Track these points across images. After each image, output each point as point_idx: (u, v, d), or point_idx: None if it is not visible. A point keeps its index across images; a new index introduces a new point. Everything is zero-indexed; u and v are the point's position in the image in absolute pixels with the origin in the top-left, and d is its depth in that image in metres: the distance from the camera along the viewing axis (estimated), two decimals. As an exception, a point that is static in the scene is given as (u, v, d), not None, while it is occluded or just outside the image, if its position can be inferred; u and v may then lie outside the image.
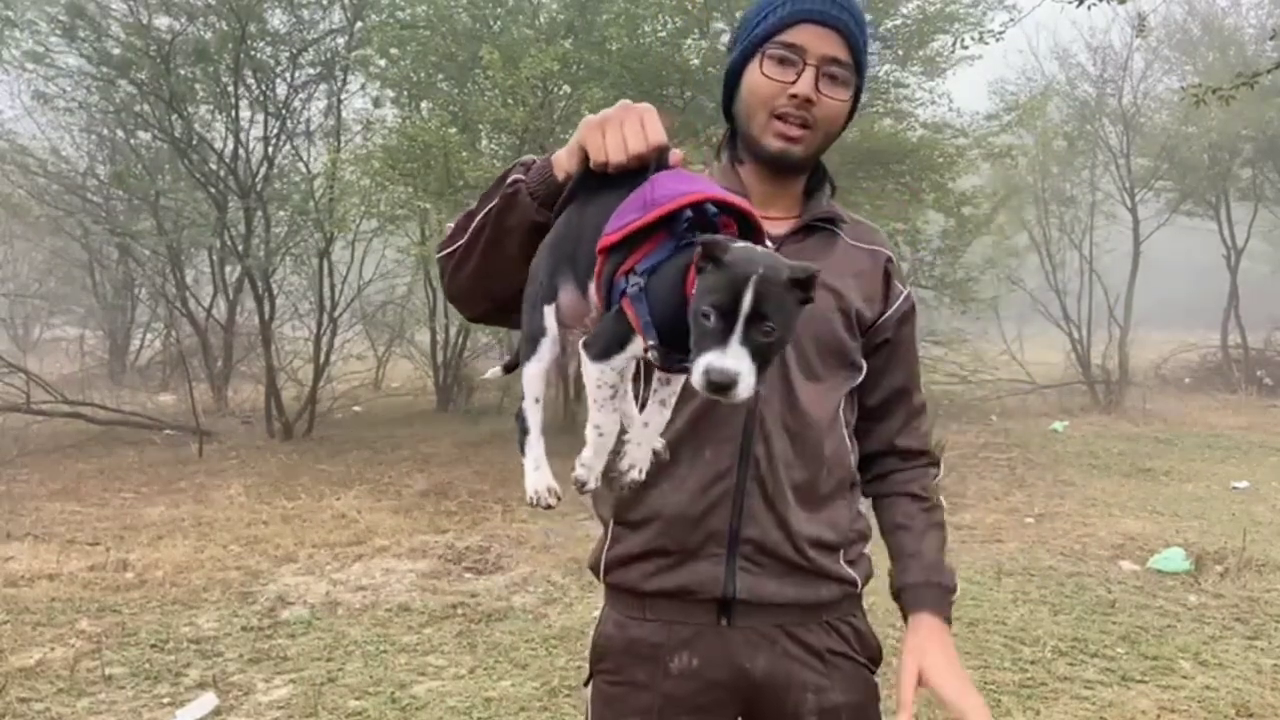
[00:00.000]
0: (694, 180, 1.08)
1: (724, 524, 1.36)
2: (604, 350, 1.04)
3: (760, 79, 1.37)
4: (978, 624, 4.32)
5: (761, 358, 0.91)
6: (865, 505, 1.52)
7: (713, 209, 1.03)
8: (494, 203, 1.25)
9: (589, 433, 1.08)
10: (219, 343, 12.65)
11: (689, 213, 1.02)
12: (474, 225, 1.27)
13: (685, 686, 1.37)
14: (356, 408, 12.45)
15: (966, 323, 12.14)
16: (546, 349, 1.11)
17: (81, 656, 3.92)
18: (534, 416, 1.12)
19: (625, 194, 1.09)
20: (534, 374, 1.12)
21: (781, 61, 1.36)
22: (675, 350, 0.99)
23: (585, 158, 1.15)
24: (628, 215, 1.04)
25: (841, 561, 1.42)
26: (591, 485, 1.11)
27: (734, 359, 0.89)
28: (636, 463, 1.15)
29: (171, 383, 14.27)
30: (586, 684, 1.47)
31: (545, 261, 1.15)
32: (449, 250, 1.31)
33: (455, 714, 3.43)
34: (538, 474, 1.11)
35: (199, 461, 8.66)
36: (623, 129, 1.11)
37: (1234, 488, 7.56)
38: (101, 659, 3.89)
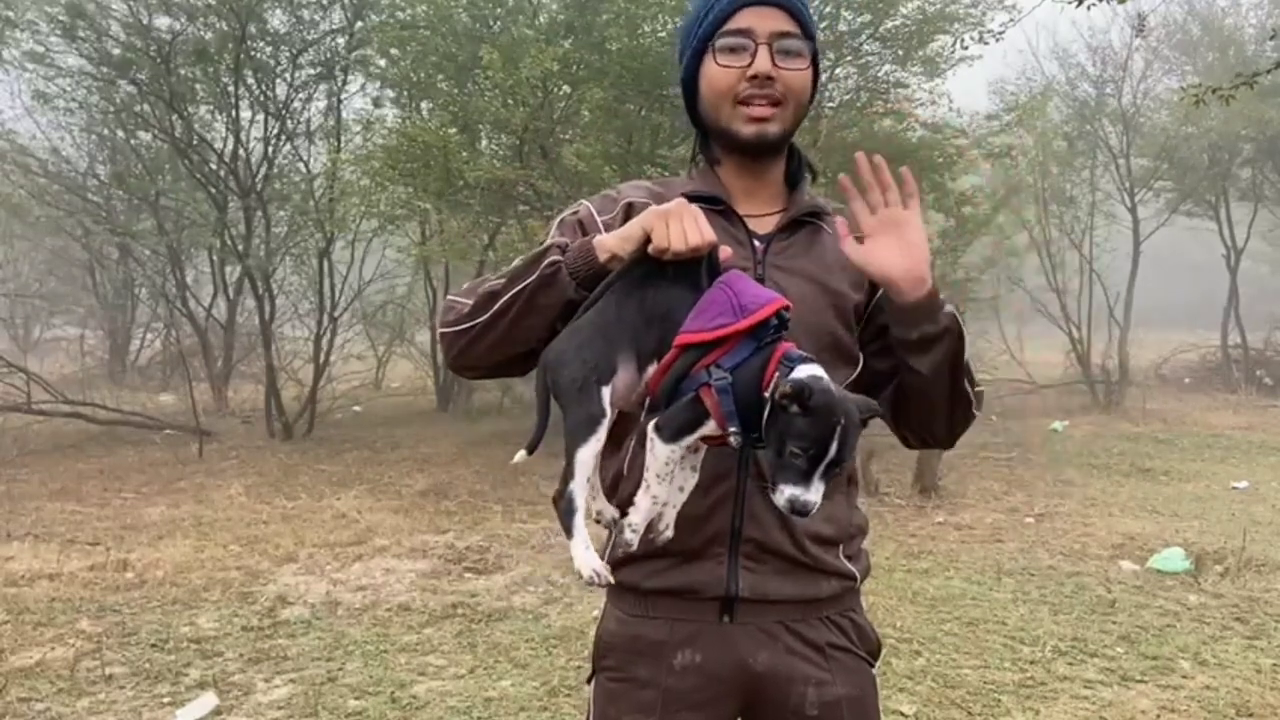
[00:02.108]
0: (759, 285, 1.22)
1: (726, 524, 1.37)
2: (677, 433, 1.17)
3: (717, 70, 1.40)
4: (978, 624, 4.32)
5: (831, 482, 1.12)
6: (862, 501, 1.52)
7: (786, 314, 1.18)
8: (530, 281, 1.28)
9: (644, 502, 1.19)
10: (219, 343, 12.67)
11: (775, 319, 1.17)
12: (502, 302, 1.29)
13: (688, 682, 1.38)
14: (356, 408, 12.46)
15: (966, 323, 12.13)
16: (604, 430, 1.17)
17: (82, 656, 3.92)
18: (581, 497, 1.16)
19: (678, 285, 1.20)
20: (589, 456, 1.16)
21: (733, 49, 1.39)
22: (749, 432, 1.15)
23: (643, 245, 1.22)
24: (717, 317, 1.16)
25: (841, 556, 1.44)
26: (635, 548, 1.21)
27: (814, 493, 1.10)
28: (670, 522, 1.25)
29: (171, 383, 14.29)
30: (589, 681, 1.49)
31: (599, 344, 1.19)
32: (464, 327, 1.33)
33: (455, 714, 3.43)
34: (589, 554, 1.16)
35: (199, 461, 8.66)
36: (683, 222, 1.20)
37: (1234, 488, 7.56)
38: (101, 659, 3.89)
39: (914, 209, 1.32)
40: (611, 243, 1.25)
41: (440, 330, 1.38)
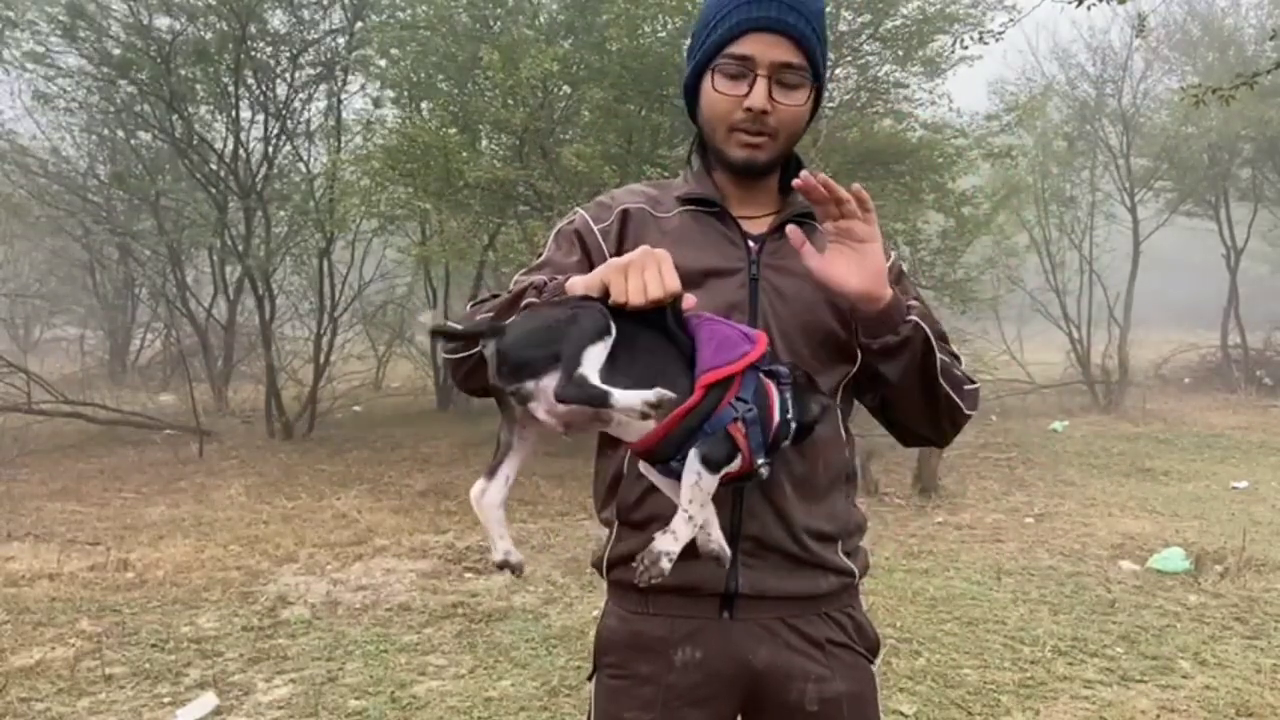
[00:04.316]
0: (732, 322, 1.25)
1: (725, 521, 1.36)
2: (719, 464, 1.16)
3: (714, 95, 1.39)
4: (978, 624, 4.32)
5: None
6: (861, 501, 1.53)
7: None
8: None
9: (685, 528, 1.15)
10: (219, 343, 12.67)
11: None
12: None
13: (688, 678, 1.39)
14: (356, 408, 12.46)
15: (966, 323, 12.13)
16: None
17: (82, 656, 3.93)
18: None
19: (639, 331, 1.16)
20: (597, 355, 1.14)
21: (732, 76, 1.37)
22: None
23: (604, 295, 1.19)
24: (736, 348, 1.17)
25: (840, 552, 1.44)
26: (669, 575, 1.16)
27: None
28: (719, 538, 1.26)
29: (172, 383, 14.28)
30: (590, 678, 1.49)
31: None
32: (461, 357, 1.33)
33: (455, 714, 3.44)
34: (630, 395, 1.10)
35: (199, 461, 8.66)
36: (643, 274, 1.17)
37: (1234, 488, 7.56)
38: (102, 659, 3.90)
39: (871, 222, 1.29)
40: (580, 289, 1.23)
41: (444, 356, 1.41)
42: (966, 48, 8.92)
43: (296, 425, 10.14)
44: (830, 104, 8.92)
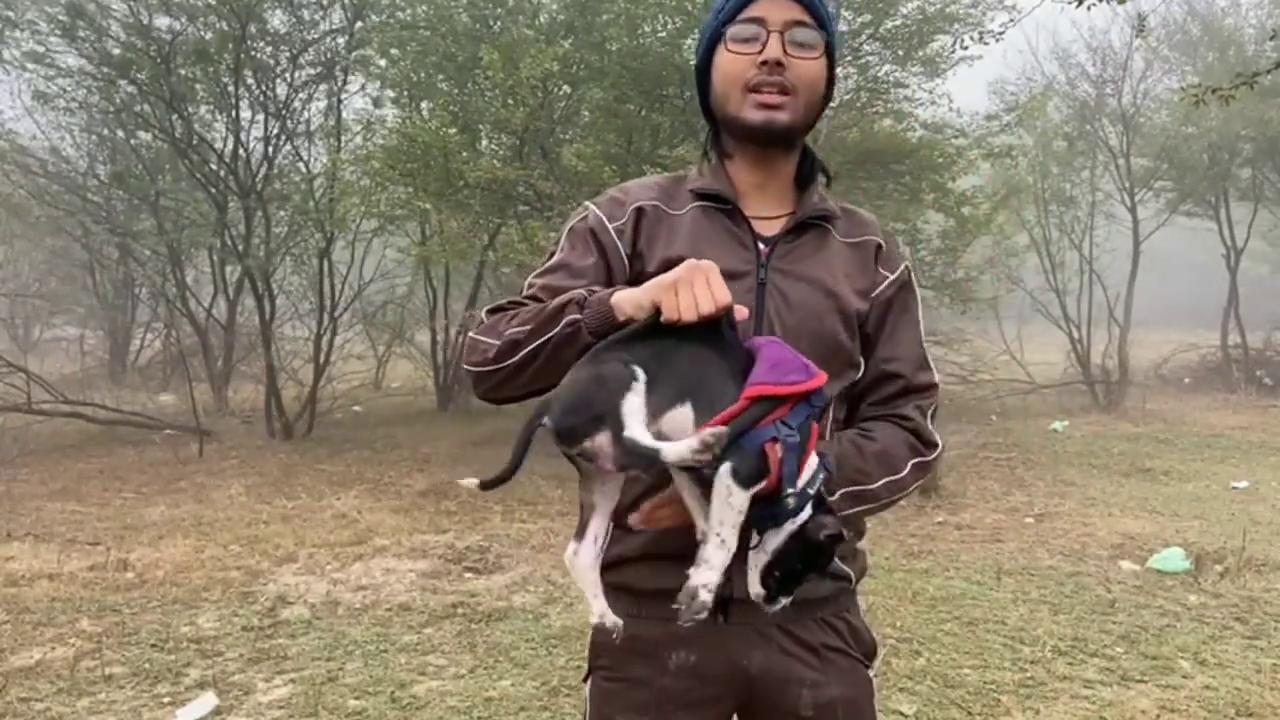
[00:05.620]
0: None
1: None
2: (750, 480, 1.12)
3: (728, 57, 1.40)
4: (977, 623, 4.32)
5: None
6: None
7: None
8: (551, 336, 1.27)
9: (719, 556, 1.12)
10: (219, 343, 12.67)
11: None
12: (525, 353, 1.29)
13: (683, 682, 1.39)
14: (356, 408, 12.45)
15: (966, 323, 12.13)
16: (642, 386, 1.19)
17: (82, 656, 3.93)
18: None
19: (684, 345, 1.17)
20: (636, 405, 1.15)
21: (745, 38, 1.39)
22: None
23: (654, 312, 1.19)
24: (791, 373, 1.16)
25: (835, 557, 1.42)
26: (705, 614, 1.14)
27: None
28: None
29: (172, 383, 14.28)
30: (586, 680, 1.49)
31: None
32: (490, 369, 1.33)
33: (455, 713, 3.43)
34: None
35: (199, 461, 8.66)
36: (693, 289, 1.16)
37: (1234, 487, 7.56)
38: (102, 659, 3.90)
39: None
40: (628, 307, 1.22)
41: (466, 367, 1.38)
42: (966, 48, 8.94)
43: (296, 425, 10.14)
44: (830, 104, 8.92)
